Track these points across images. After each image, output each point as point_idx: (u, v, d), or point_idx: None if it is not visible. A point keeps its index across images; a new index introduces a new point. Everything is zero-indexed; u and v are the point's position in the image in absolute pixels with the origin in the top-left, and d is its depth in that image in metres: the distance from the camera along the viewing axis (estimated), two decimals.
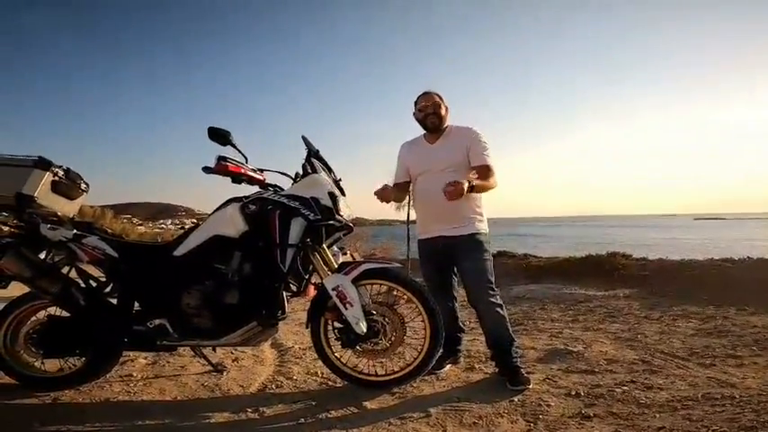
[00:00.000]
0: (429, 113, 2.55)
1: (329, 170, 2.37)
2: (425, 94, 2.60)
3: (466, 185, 2.22)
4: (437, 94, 2.59)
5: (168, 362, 2.85)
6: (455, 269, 2.61)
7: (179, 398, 2.29)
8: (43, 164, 2.28)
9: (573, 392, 2.22)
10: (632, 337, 3.23)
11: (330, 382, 2.48)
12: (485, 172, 2.44)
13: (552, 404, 2.09)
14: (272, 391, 2.39)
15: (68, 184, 2.43)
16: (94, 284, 2.38)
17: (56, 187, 2.34)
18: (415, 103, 2.62)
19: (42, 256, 2.29)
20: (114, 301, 2.34)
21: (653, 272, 5.71)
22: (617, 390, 2.22)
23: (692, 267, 5.61)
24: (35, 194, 2.22)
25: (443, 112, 2.57)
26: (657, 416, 1.93)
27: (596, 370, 2.54)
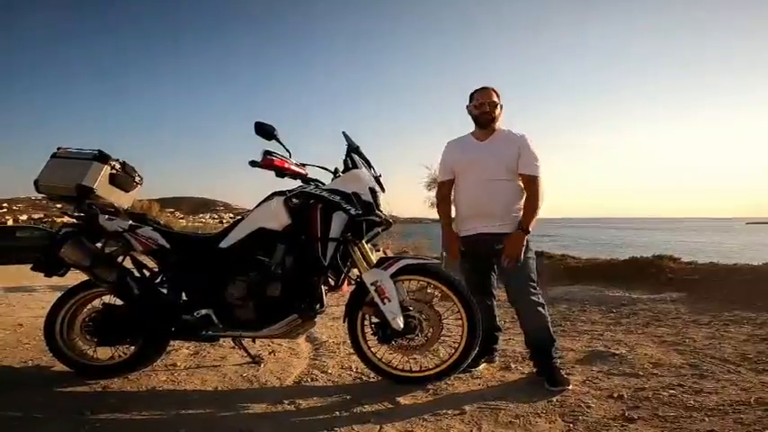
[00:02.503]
0: (484, 111, 2.49)
1: (369, 166, 2.39)
2: (483, 89, 2.54)
3: (524, 240, 2.36)
4: (494, 91, 2.53)
5: (209, 352, 2.96)
6: (495, 267, 2.57)
7: (219, 388, 2.37)
8: (102, 157, 2.43)
9: (615, 395, 2.14)
10: (679, 342, 3.09)
11: (364, 377, 2.50)
12: (531, 184, 2.42)
13: (593, 405, 2.03)
14: (307, 384, 2.44)
15: (125, 177, 2.57)
16: (147, 274, 2.50)
17: (113, 180, 2.48)
18: (471, 97, 2.57)
19: (98, 245, 2.41)
20: (165, 290, 2.44)
21: (703, 276, 5.43)
22: (663, 393, 2.13)
23: (744, 272, 5.29)
24: (94, 186, 2.36)
25: (498, 111, 2.52)
26: (707, 419, 1.84)
27: (640, 373, 2.45)
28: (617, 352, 2.82)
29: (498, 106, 2.52)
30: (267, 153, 2.21)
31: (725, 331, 3.36)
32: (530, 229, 2.37)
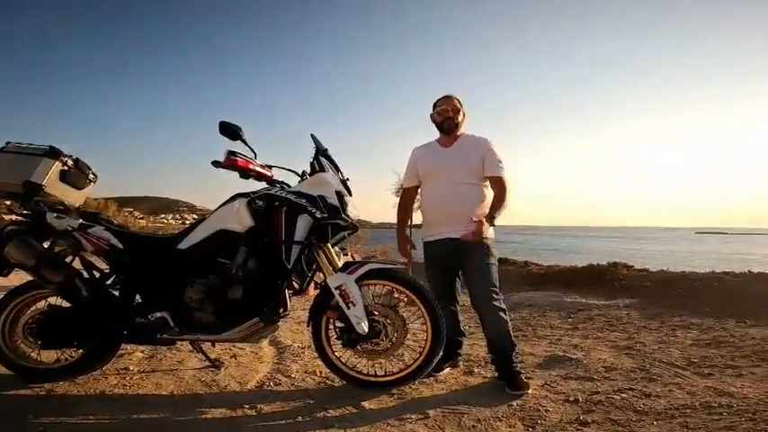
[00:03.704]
0: (447, 117, 2.58)
1: (337, 169, 2.37)
2: (446, 97, 2.62)
3: (486, 225, 2.37)
4: (457, 99, 2.62)
5: (166, 356, 2.85)
6: (459, 272, 2.61)
7: (175, 393, 2.29)
8: (53, 153, 2.30)
9: (571, 398, 2.21)
10: (631, 346, 3.23)
11: (328, 382, 2.47)
12: (498, 184, 2.50)
13: (551, 410, 2.09)
14: (269, 388, 2.39)
15: (77, 174, 2.44)
16: (97, 275, 2.38)
17: (64, 177, 2.36)
18: (434, 105, 2.65)
19: (46, 244, 2.29)
20: (116, 292, 2.34)
21: (654, 283, 5.70)
22: (615, 397, 2.21)
23: (692, 279, 5.60)
24: (43, 183, 2.24)
25: (461, 117, 2.61)
26: (655, 423, 1.93)
27: (595, 377, 2.54)
28: (573, 356, 2.92)
29: (461, 113, 2.61)
30: (231, 153, 2.15)
31: (673, 336, 3.54)
32: (493, 221, 2.42)
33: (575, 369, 2.69)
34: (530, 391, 2.28)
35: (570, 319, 4.32)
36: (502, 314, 2.41)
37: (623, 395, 2.24)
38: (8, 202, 2.44)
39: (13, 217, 2.38)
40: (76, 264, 2.36)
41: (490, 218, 2.41)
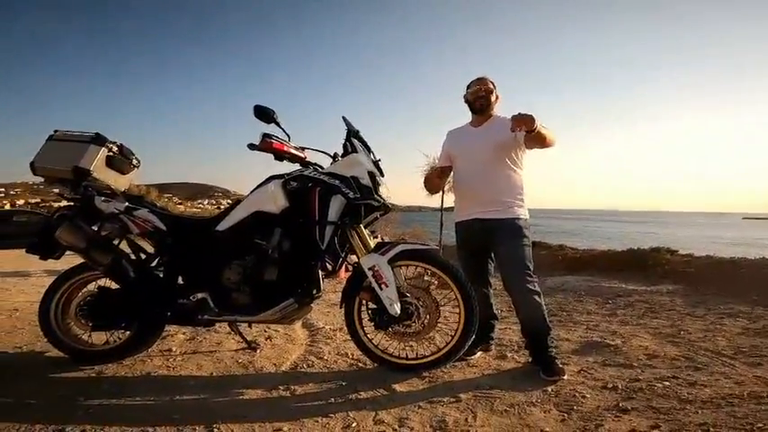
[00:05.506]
0: (480, 96, 2.55)
1: (369, 150, 2.37)
2: (479, 78, 2.61)
3: (537, 122, 2.13)
4: (490, 81, 2.60)
5: (205, 338, 2.96)
6: (492, 254, 2.57)
7: (215, 374, 2.37)
8: (99, 140, 2.41)
9: (610, 385, 2.15)
10: (674, 334, 3.10)
11: (360, 364, 2.50)
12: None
13: (588, 396, 2.04)
14: (303, 370, 2.44)
15: (122, 160, 2.55)
16: (143, 257, 2.48)
17: (110, 162, 2.47)
18: (468, 86, 2.62)
19: (95, 228, 2.38)
20: (161, 273, 2.43)
21: (699, 269, 5.44)
22: (657, 385, 2.13)
23: (740, 265, 5.31)
24: (91, 168, 2.34)
25: (493, 98, 2.58)
26: (700, 412, 1.85)
27: (635, 364, 2.45)
28: (612, 343, 2.83)
29: (494, 94, 2.57)
30: (266, 136, 2.19)
31: (720, 324, 3.37)
32: (539, 126, 2.18)
33: (613, 356, 2.61)
34: (565, 377, 2.23)
35: (608, 305, 4.19)
36: (536, 297, 2.36)
37: (666, 383, 2.15)
38: (56, 189, 2.57)
39: (64, 202, 2.50)
40: (123, 246, 2.46)
41: (534, 127, 2.15)
